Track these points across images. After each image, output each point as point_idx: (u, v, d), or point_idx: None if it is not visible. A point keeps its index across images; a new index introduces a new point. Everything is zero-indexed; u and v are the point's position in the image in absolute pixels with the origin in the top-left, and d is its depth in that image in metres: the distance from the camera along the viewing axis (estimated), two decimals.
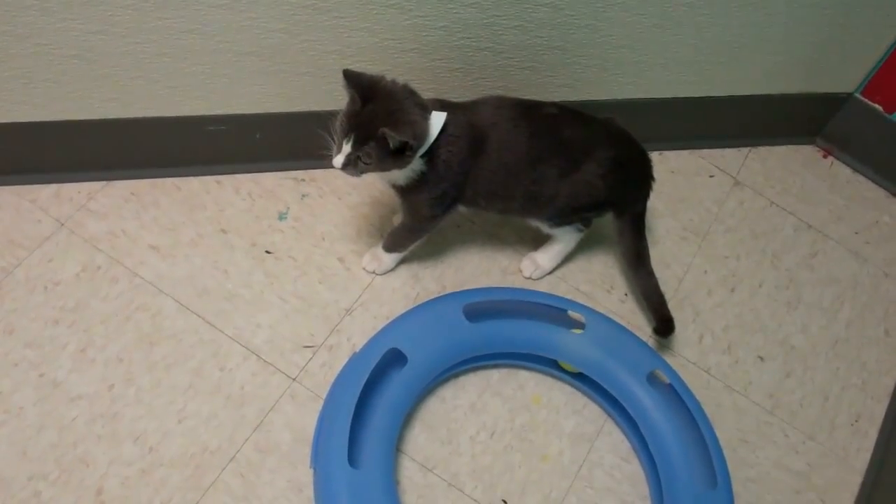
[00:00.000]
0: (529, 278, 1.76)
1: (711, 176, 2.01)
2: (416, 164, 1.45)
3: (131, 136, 1.65)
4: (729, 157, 2.06)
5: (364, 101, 1.37)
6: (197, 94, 1.60)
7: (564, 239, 1.73)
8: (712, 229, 1.92)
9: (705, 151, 2.05)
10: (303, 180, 1.80)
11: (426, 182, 1.50)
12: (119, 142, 1.66)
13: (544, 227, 1.69)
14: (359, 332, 1.63)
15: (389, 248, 1.68)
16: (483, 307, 1.59)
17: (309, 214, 1.76)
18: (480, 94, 1.74)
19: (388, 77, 1.41)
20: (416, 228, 1.63)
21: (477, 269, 1.76)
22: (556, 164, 1.56)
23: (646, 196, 1.69)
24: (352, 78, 1.37)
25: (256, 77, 1.59)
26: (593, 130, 1.59)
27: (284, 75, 1.60)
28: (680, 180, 1.99)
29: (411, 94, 1.42)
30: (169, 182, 1.74)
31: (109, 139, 1.65)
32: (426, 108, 1.43)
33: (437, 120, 1.44)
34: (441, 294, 1.69)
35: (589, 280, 1.79)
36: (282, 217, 1.74)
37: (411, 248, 1.69)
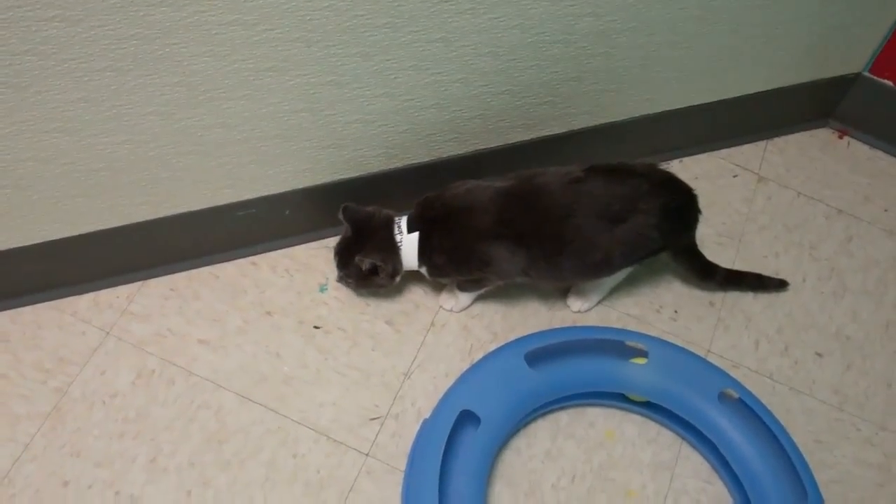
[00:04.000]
0: (578, 312, 1.75)
1: (735, 176, 2.01)
2: (422, 271, 1.64)
3: (164, 235, 1.64)
4: (748, 152, 2.05)
5: (354, 232, 1.62)
6: (224, 184, 1.58)
7: (618, 277, 1.71)
8: (746, 230, 1.91)
9: (724, 151, 2.04)
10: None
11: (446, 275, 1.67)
12: (150, 242, 1.65)
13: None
14: (422, 395, 1.62)
15: (463, 288, 1.70)
16: (544, 351, 1.59)
17: None
18: (502, 136, 1.74)
19: (381, 211, 1.63)
20: (478, 283, 1.68)
21: (525, 310, 1.75)
22: (599, 229, 1.53)
23: (695, 228, 1.67)
24: (348, 213, 1.62)
25: (281, 158, 1.58)
26: (632, 182, 1.55)
27: (309, 151, 1.59)
28: (705, 185, 1.98)
29: (387, 225, 1.61)
30: (205, 272, 1.72)
31: (142, 241, 1.64)
32: (393, 238, 1.60)
33: (411, 242, 1.59)
34: (494, 342, 1.68)
35: (637, 303, 1.78)
36: (322, 289, 1.73)
37: (485, 290, 1.70)
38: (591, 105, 1.77)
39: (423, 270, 1.63)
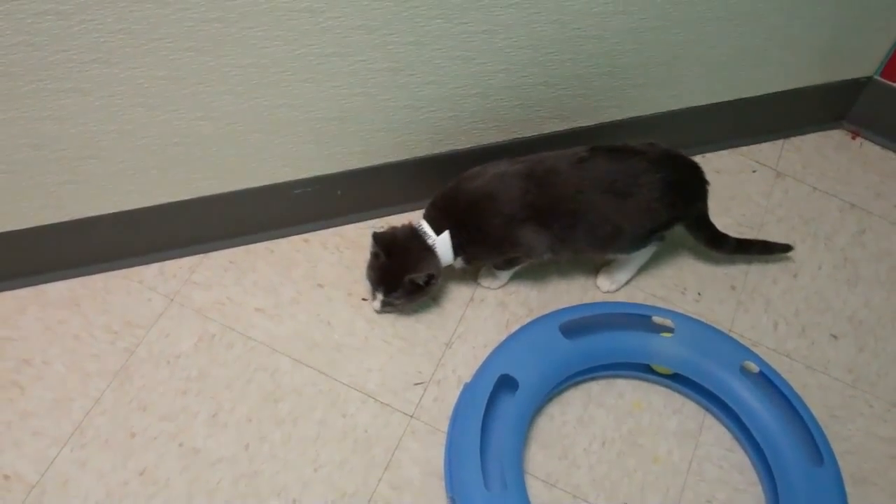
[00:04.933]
0: (608, 292, 1.86)
1: (754, 171, 2.12)
2: (457, 263, 1.73)
3: (224, 209, 1.75)
4: (766, 150, 2.17)
5: (388, 255, 1.65)
6: (285, 163, 1.70)
7: (639, 254, 1.83)
8: (766, 221, 2.03)
9: (744, 149, 2.16)
10: (383, 227, 1.88)
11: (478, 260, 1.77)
12: (213, 216, 1.76)
13: (622, 256, 1.80)
14: (462, 364, 1.73)
15: (499, 267, 1.81)
16: (577, 324, 1.69)
17: None
18: (540, 125, 1.86)
19: (397, 227, 1.70)
20: (512, 263, 1.79)
21: (557, 288, 1.86)
22: (606, 203, 1.66)
23: (704, 199, 1.79)
24: (378, 239, 1.66)
25: (337, 139, 1.70)
26: (632, 160, 1.67)
27: (363, 134, 1.71)
28: (726, 179, 2.10)
29: (416, 236, 1.67)
30: (261, 247, 1.84)
31: (204, 215, 1.75)
32: (430, 248, 1.66)
33: (444, 240, 1.67)
34: (529, 316, 1.79)
35: (662, 285, 1.89)
36: None
37: (519, 268, 1.81)
38: (620, 99, 1.89)
39: (458, 262, 1.72)
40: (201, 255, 1.81)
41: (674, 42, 1.79)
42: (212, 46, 1.41)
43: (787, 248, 1.92)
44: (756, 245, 1.92)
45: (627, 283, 1.88)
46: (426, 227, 1.67)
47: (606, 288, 1.86)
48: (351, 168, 1.78)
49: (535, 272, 1.87)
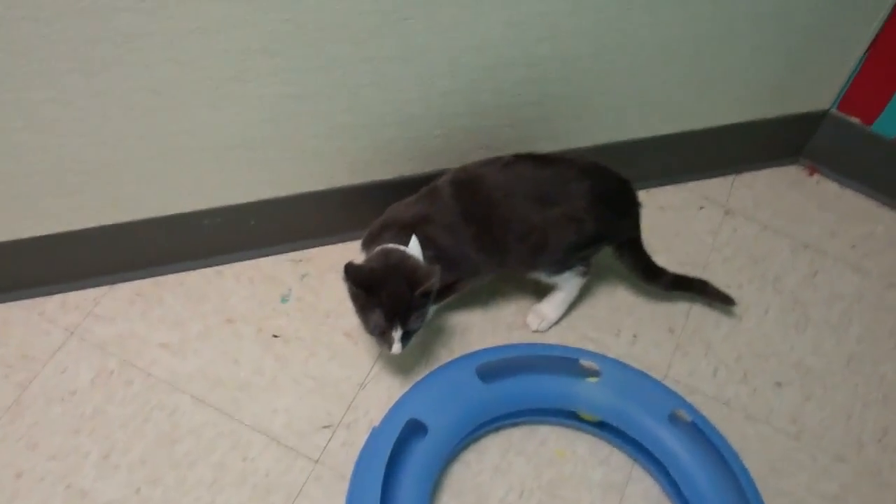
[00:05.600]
0: (537, 331, 1.78)
1: (701, 207, 2.04)
2: None
3: (131, 239, 1.68)
4: (716, 186, 2.08)
5: (368, 292, 1.47)
6: (190, 191, 1.63)
7: (567, 286, 1.74)
8: (711, 260, 1.93)
9: (692, 184, 2.08)
10: (300, 260, 1.82)
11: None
12: (119, 246, 1.69)
13: (544, 278, 1.70)
14: (375, 406, 1.64)
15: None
16: (496, 366, 1.61)
17: (311, 293, 1.78)
18: (464, 156, 1.77)
19: (370, 258, 1.53)
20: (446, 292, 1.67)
21: (483, 329, 1.77)
22: (534, 210, 1.58)
23: (636, 221, 1.71)
24: (352, 273, 1.45)
25: (246, 167, 1.62)
26: (560, 167, 1.61)
27: (273, 162, 1.63)
28: (671, 215, 2.01)
29: (387, 254, 1.52)
30: (171, 279, 1.76)
31: (110, 244, 1.67)
32: (410, 255, 1.52)
33: (416, 246, 1.54)
34: (450, 358, 1.70)
35: (596, 326, 1.80)
36: (284, 300, 1.76)
37: (448, 301, 1.70)
38: (552, 130, 1.81)
39: None
40: (107, 287, 1.73)
41: (608, 71, 1.72)
42: (99, 68, 1.34)
43: (728, 300, 1.82)
44: (696, 284, 1.82)
45: (558, 322, 1.79)
46: (390, 244, 1.54)
47: (535, 326, 1.78)
48: (263, 198, 1.70)
49: (460, 309, 1.78)
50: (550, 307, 1.77)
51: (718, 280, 1.87)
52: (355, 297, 1.50)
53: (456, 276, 1.62)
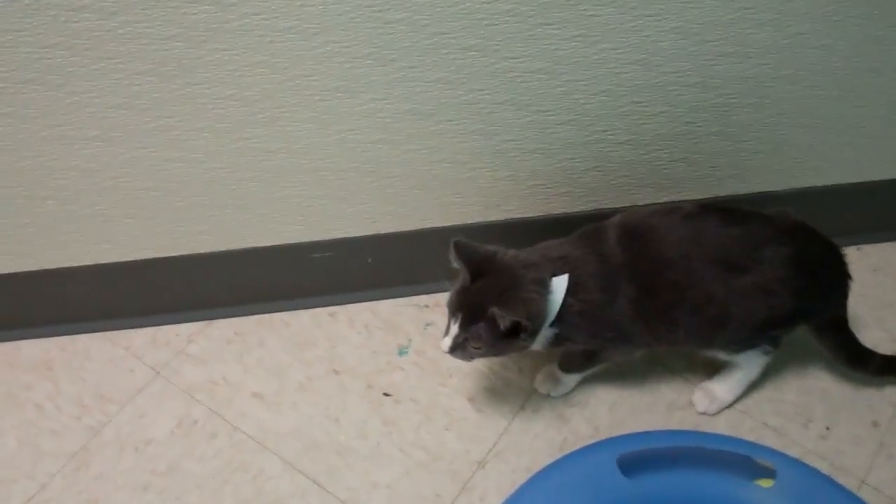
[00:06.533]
0: (704, 414, 1.45)
1: None
2: (545, 332, 1.28)
3: (229, 270, 1.50)
4: None
5: (474, 277, 1.23)
6: (294, 220, 1.43)
7: (747, 364, 1.42)
8: None
9: None
10: (426, 306, 1.58)
11: (568, 340, 1.31)
12: (217, 277, 1.52)
13: (722, 356, 1.39)
14: (494, 490, 1.36)
15: (566, 369, 1.44)
16: (645, 456, 1.30)
17: (434, 347, 1.52)
18: (627, 194, 1.49)
19: (504, 250, 1.27)
20: (590, 360, 1.41)
21: (637, 405, 1.46)
22: (716, 277, 1.27)
23: (843, 297, 1.38)
24: (462, 250, 1.23)
25: (360, 195, 1.41)
26: (755, 226, 1.30)
27: (391, 191, 1.40)
28: (886, 280, 1.63)
29: (527, 266, 1.25)
30: (277, 318, 1.56)
31: (209, 275, 1.51)
32: (544, 282, 1.24)
33: (560, 286, 1.25)
34: (593, 438, 1.41)
35: (779, 412, 1.46)
36: (402, 352, 1.52)
37: (593, 370, 1.44)
38: (738, 168, 1.49)
39: (547, 335, 1.31)
40: (204, 323, 1.55)
41: (810, 97, 1.40)
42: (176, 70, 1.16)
43: None
44: None
45: (732, 405, 1.46)
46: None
47: (703, 408, 1.45)
48: (382, 232, 1.48)
49: (613, 380, 1.48)
50: (724, 387, 1.44)
51: None
52: (453, 272, 1.27)
53: (599, 343, 1.34)
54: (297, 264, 1.50)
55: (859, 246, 1.68)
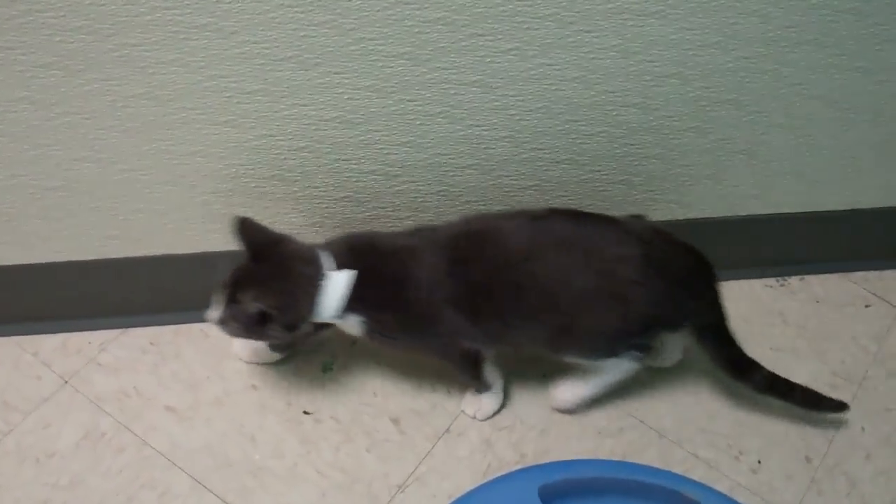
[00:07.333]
0: (558, 409, 1.43)
1: (868, 306, 1.62)
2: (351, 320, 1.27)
3: (145, 277, 1.44)
4: (890, 280, 1.66)
5: (253, 259, 1.22)
6: (214, 227, 1.37)
7: (611, 371, 1.37)
8: (871, 374, 1.52)
9: (858, 275, 1.66)
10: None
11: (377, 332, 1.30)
12: (132, 284, 1.45)
13: (583, 363, 1.36)
14: None
15: (464, 379, 1.41)
16: (568, 486, 1.26)
17: (360, 364, 1.47)
18: None
19: (295, 240, 1.26)
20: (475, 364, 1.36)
21: (567, 431, 1.42)
22: (559, 279, 1.24)
23: (713, 302, 1.33)
24: (247, 230, 1.23)
25: (283, 204, 1.36)
26: (603, 229, 1.27)
27: (318, 201, 1.35)
28: (827, 312, 1.60)
29: (305, 259, 1.23)
30: (196, 328, 1.49)
31: (120, 281, 1.45)
32: (313, 277, 1.22)
33: (342, 280, 1.22)
34: (519, 464, 1.37)
35: (711, 443, 1.42)
36: (326, 368, 1.46)
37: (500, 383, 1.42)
38: (679, 193, 1.46)
39: (352, 326, 1.29)
40: (119, 331, 1.48)
41: (756, 123, 1.37)
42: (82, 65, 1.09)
43: (841, 406, 1.40)
44: (798, 391, 1.40)
45: (588, 400, 1.43)
46: (326, 256, 1.25)
47: (559, 402, 1.42)
48: None
49: (543, 404, 1.44)
50: (581, 382, 1.40)
51: (878, 400, 1.49)
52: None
53: (411, 337, 1.32)
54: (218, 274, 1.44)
55: (802, 276, 1.66)
